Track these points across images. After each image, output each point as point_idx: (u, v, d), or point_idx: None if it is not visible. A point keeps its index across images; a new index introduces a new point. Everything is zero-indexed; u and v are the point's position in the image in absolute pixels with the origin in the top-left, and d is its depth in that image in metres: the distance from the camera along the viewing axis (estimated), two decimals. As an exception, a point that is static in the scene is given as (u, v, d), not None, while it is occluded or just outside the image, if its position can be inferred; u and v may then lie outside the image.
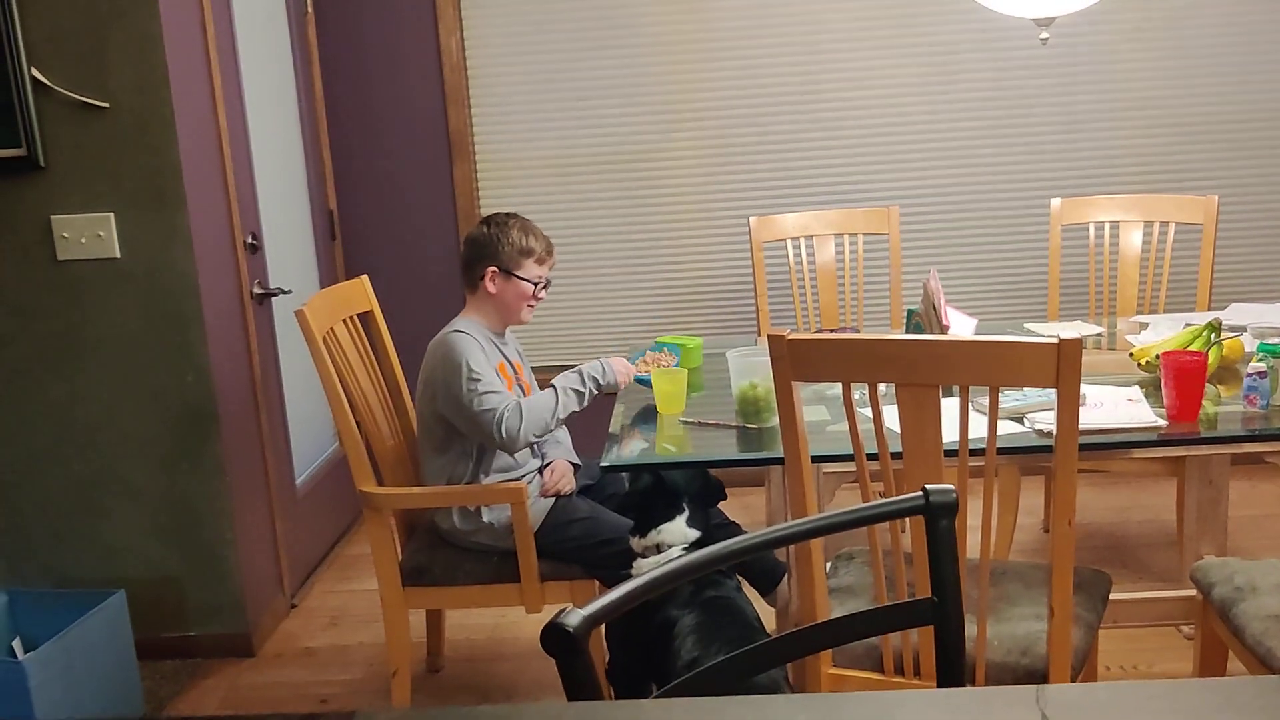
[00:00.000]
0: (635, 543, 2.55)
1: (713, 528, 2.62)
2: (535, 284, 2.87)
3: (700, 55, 4.17)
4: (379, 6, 4.18)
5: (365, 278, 3.13)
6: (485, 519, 2.80)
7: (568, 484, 2.88)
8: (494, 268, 2.84)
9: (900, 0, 4.04)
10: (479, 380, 2.71)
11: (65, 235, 3.08)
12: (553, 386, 2.78)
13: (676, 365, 2.92)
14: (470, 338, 2.78)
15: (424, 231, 4.33)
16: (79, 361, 3.17)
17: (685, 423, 2.66)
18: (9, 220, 3.09)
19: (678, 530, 2.50)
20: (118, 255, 3.09)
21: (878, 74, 4.14)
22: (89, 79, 3.00)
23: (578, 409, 2.80)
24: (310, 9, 4.11)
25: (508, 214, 2.93)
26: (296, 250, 3.95)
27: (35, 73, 2.97)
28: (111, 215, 3.07)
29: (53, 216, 3.07)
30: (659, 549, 2.49)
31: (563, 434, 2.99)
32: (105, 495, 3.25)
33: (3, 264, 3.11)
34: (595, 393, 2.82)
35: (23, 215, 3.08)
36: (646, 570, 2.36)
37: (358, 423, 2.83)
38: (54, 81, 2.99)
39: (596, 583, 2.77)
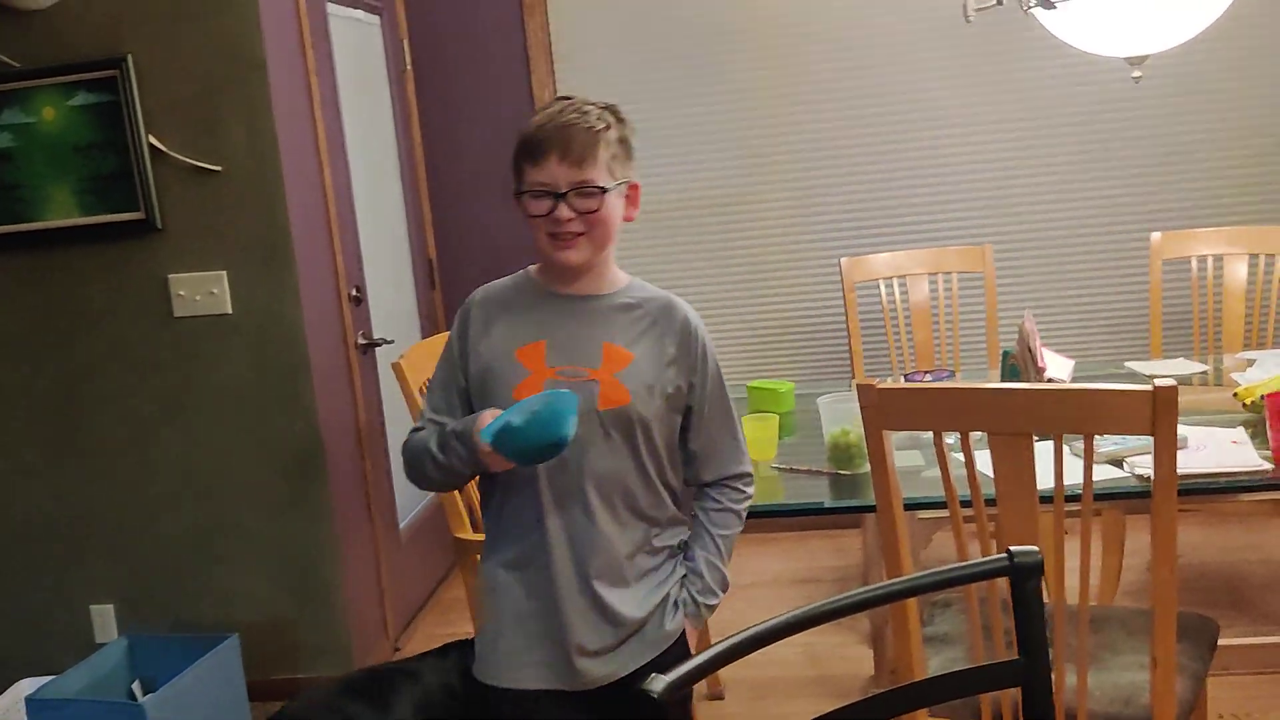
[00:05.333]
0: None
1: None
2: (523, 196, 1.91)
3: (787, 99, 4.20)
4: (475, 62, 4.30)
5: (463, 328, 3.21)
6: None
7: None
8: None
9: (987, 38, 4.03)
10: (430, 385, 2.04)
11: (181, 293, 3.23)
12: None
13: (550, 409, 1.79)
14: (471, 308, 2.00)
15: (520, 278, 4.41)
16: (194, 412, 3.30)
17: (777, 469, 2.67)
18: (129, 280, 3.25)
19: None
20: (230, 311, 3.23)
21: (967, 111, 4.13)
22: (203, 144, 3.15)
23: (462, 471, 1.91)
24: (409, 67, 4.25)
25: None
26: (398, 300, 4.08)
27: (153, 140, 3.13)
28: (224, 273, 3.21)
29: (169, 275, 3.22)
30: None
31: None
32: (220, 541, 3.37)
33: (124, 321, 3.27)
34: (464, 456, 1.87)
35: (142, 275, 3.24)
36: None
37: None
38: (170, 148, 3.14)
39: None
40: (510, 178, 1.95)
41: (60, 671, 3.07)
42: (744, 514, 2.06)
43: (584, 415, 1.83)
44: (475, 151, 4.36)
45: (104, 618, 3.44)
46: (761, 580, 3.94)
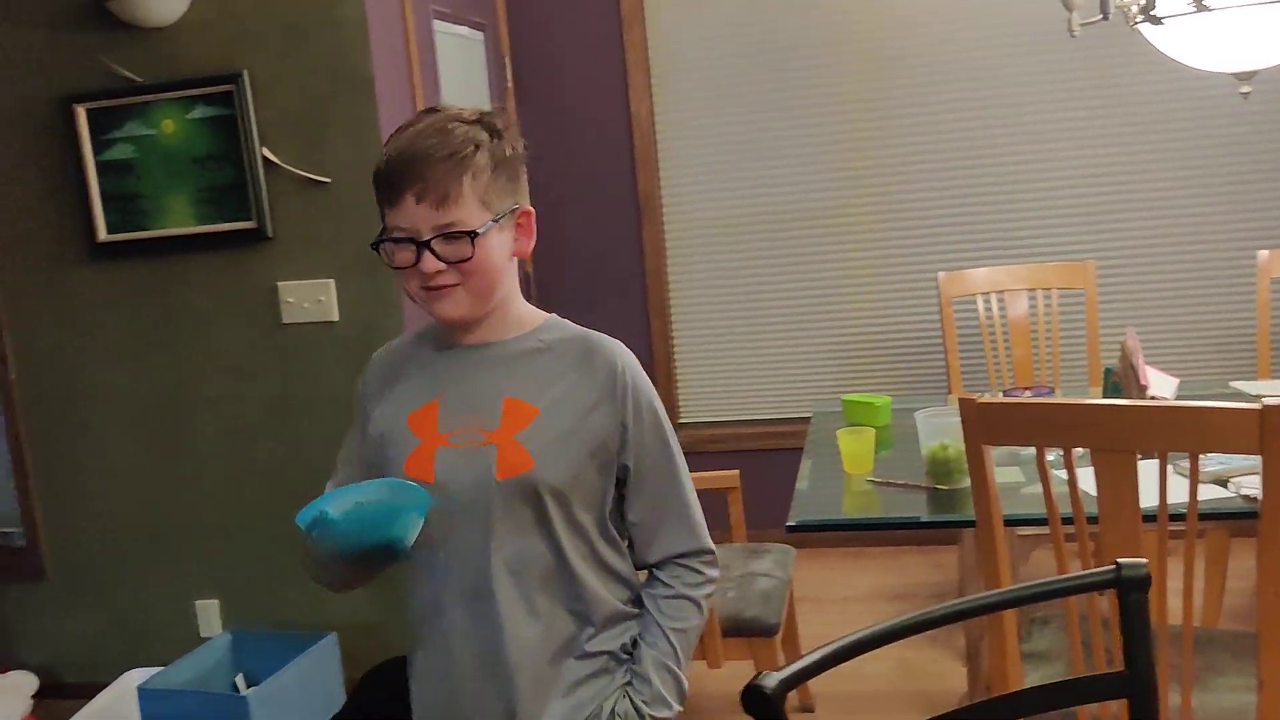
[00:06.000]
0: None
1: None
2: (382, 244, 1.56)
3: (883, 113, 4.20)
4: (574, 78, 4.37)
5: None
6: None
7: None
8: None
9: (1089, 52, 3.97)
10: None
11: (290, 300, 3.33)
12: None
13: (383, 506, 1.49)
14: (369, 368, 1.73)
15: (614, 291, 4.47)
16: (294, 419, 3.40)
17: (873, 482, 2.67)
18: (240, 287, 3.36)
19: None
20: (336, 318, 3.32)
21: (1068, 126, 4.08)
22: (313, 157, 3.25)
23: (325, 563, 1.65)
24: (510, 83, 4.34)
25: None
26: (495, 310, 4.14)
27: (266, 152, 3.24)
28: (332, 281, 3.30)
29: (279, 283, 3.33)
30: None
31: None
32: (320, 542, 3.45)
33: (235, 326, 3.38)
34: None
35: (252, 282, 3.35)
36: None
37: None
38: (282, 159, 3.25)
39: (776, 640, 2.78)
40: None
41: (164, 664, 3.18)
42: (705, 602, 1.63)
43: (481, 487, 1.53)
44: (574, 164, 4.43)
45: (208, 613, 3.55)
46: (855, 595, 3.93)
